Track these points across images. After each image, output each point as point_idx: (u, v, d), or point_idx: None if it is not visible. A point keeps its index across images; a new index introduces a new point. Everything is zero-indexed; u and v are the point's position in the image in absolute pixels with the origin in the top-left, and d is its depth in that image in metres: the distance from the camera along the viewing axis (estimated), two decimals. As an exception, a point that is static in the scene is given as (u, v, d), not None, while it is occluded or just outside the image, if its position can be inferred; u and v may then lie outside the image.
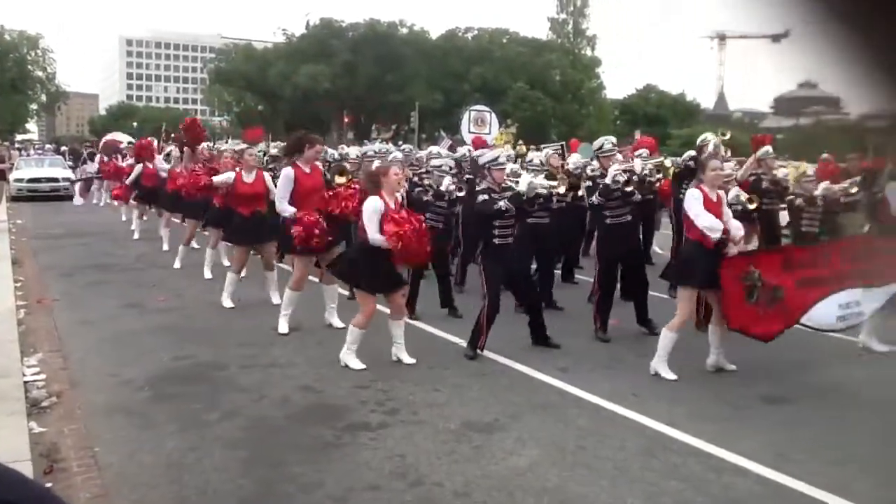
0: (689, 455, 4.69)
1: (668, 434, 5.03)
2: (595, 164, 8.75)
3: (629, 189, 7.48)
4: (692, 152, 10.10)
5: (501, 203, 6.76)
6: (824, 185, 8.93)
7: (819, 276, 6.28)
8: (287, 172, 7.39)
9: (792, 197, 8.85)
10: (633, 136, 39.59)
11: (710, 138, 10.73)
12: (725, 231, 6.17)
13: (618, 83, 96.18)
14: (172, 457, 4.55)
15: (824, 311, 6.26)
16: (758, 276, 6.12)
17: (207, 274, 10.42)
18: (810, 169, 10.13)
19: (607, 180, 7.52)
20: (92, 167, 23.09)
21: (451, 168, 8.91)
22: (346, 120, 60.49)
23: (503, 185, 7.06)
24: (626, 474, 4.38)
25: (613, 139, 8.51)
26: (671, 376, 6.20)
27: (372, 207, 6.23)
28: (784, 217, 10.02)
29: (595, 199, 7.55)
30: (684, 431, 5.04)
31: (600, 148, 8.08)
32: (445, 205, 8.29)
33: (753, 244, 9.76)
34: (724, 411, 5.56)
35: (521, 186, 6.97)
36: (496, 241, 6.85)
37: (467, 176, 10.20)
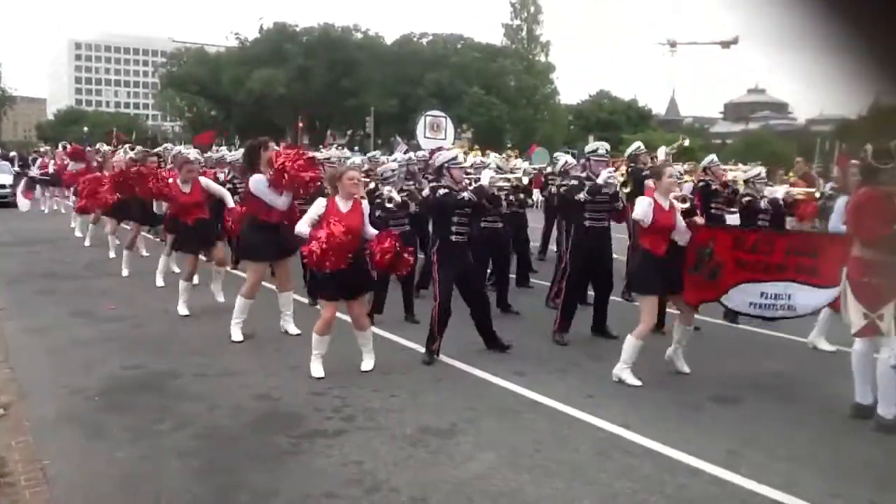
0: (644, 456, 4.75)
1: (622, 436, 5.09)
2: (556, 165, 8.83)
3: (622, 192, 7.59)
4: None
5: (465, 194, 6.83)
6: (785, 188, 9.11)
7: (756, 262, 6.38)
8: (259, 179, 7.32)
9: (749, 198, 8.94)
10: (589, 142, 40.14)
11: (642, 147, 10.92)
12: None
13: (571, 89, 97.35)
14: (124, 468, 4.46)
15: (744, 295, 6.37)
16: (709, 253, 6.26)
17: (160, 282, 10.25)
18: (763, 171, 10.32)
19: (600, 181, 7.55)
20: (34, 172, 22.43)
21: (393, 171, 8.78)
22: (300, 125, 60.09)
23: (462, 183, 7.10)
24: (582, 476, 4.42)
25: (608, 146, 8.56)
26: (636, 382, 6.24)
27: (316, 206, 6.29)
28: (731, 221, 10.19)
29: (583, 195, 7.54)
30: (638, 433, 5.10)
31: (594, 151, 8.09)
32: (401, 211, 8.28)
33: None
34: (677, 412, 5.64)
35: (484, 180, 7.05)
36: (453, 237, 6.88)
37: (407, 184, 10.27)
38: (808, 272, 6.33)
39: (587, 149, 8.22)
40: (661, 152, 10.74)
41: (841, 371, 6.04)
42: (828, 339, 7.42)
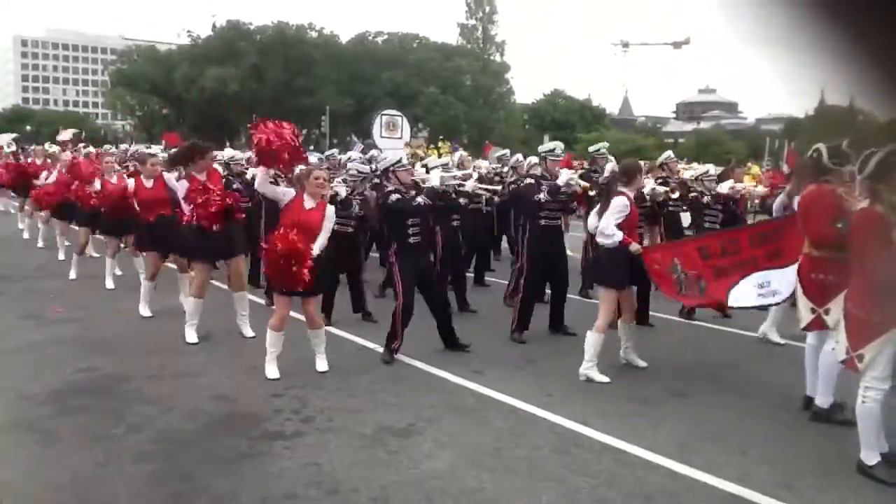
0: (602, 451, 4.80)
1: (580, 432, 5.14)
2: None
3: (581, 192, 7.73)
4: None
5: (419, 199, 6.85)
6: (728, 184, 9.29)
7: (730, 264, 6.47)
8: (183, 184, 7.32)
9: (696, 194, 9.13)
10: (544, 141, 40.44)
11: (604, 150, 11.05)
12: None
13: (526, 88, 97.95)
14: (77, 473, 4.37)
15: (745, 292, 6.46)
16: (680, 269, 6.32)
17: (109, 284, 10.08)
18: (712, 168, 10.54)
19: (560, 181, 7.65)
20: None
21: (359, 173, 8.74)
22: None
23: (408, 184, 7.11)
24: (541, 473, 4.46)
25: (562, 145, 8.66)
26: (604, 379, 6.29)
27: (286, 193, 6.41)
28: (686, 218, 10.38)
29: (542, 196, 7.61)
30: (596, 429, 5.16)
31: (552, 150, 8.14)
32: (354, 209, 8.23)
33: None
34: (633, 407, 5.72)
35: (434, 181, 7.08)
36: (411, 240, 6.88)
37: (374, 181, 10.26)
38: (774, 256, 6.41)
39: (543, 148, 8.27)
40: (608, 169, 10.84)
41: (792, 364, 6.19)
42: (779, 333, 7.59)
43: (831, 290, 4.98)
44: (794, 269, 6.30)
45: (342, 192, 8.00)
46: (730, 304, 6.50)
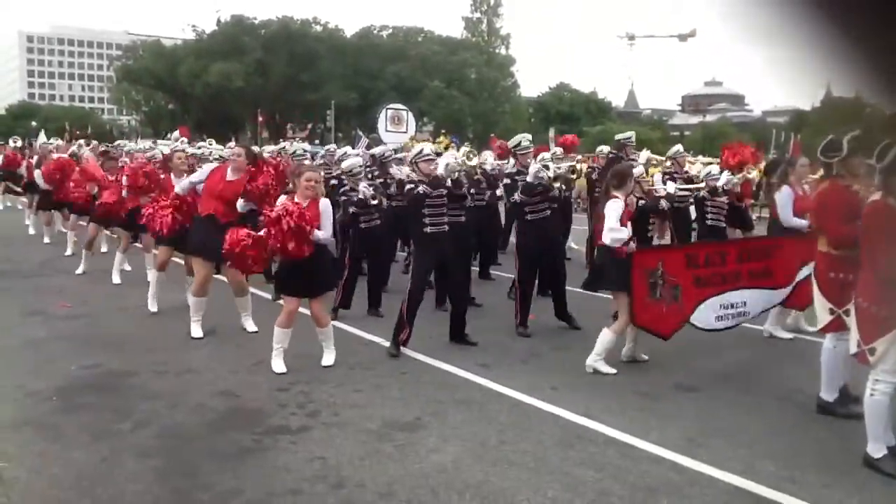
0: (606, 444, 4.79)
1: (585, 425, 5.13)
2: (510, 162, 8.85)
3: (555, 185, 7.54)
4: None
5: (420, 188, 6.85)
6: (726, 175, 9.18)
7: (713, 275, 6.43)
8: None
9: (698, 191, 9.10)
10: (549, 135, 40.36)
11: (633, 139, 10.94)
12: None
13: (532, 81, 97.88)
14: (83, 469, 4.37)
15: (706, 311, 6.41)
16: (661, 274, 6.28)
17: (116, 279, 10.08)
18: (715, 168, 10.46)
19: (529, 178, 7.44)
20: None
21: (360, 167, 8.64)
22: (260, 119, 59.42)
23: (429, 174, 7.09)
24: (546, 466, 4.45)
25: (529, 136, 8.58)
26: (611, 371, 6.31)
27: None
28: (694, 212, 10.34)
29: (517, 196, 7.48)
30: (600, 422, 5.15)
31: (518, 145, 8.13)
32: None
33: (666, 239, 10.08)
34: (638, 401, 5.70)
35: (440, 170, 7.09)
36: (427, 229, 6.89)
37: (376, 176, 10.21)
38: (759, 276, 6.45)
39: (511, 143, 8.26)
40: (644, 156, 10.75)
41: (797, 358, 6.17)
42: (784, 328, 7.57)
43: (851, 290, 4.75)
44: (779, 292, 6.37)
45: (371, 195, 7.98)
46: (692, 321, 6.41)
